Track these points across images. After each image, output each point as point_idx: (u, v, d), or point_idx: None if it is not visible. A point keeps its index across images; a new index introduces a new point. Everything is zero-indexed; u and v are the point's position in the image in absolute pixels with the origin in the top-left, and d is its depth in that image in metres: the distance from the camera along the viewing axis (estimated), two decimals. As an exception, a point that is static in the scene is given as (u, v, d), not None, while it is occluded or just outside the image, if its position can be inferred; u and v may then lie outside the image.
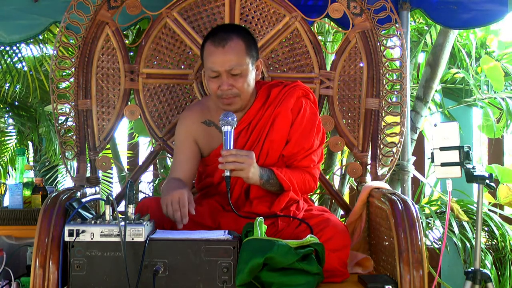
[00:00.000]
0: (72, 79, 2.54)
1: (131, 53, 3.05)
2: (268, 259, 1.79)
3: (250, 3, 2.58)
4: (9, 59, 3.87)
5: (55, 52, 2.58)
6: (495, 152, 4.04)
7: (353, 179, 2.77)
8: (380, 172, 2.56)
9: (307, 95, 2.32)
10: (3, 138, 4.42)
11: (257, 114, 2.27)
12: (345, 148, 2.77)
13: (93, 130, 2.54)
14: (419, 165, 3.70)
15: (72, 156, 2.57)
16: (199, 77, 2.58)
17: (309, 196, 2.48)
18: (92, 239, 1.80)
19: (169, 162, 3.60)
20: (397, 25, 2.59)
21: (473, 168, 1.99)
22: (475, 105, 3.83)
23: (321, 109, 2.59)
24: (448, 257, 3.17)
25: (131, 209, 1.84)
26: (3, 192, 3.71)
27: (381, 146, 2.57)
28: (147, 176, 3.64)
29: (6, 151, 4.37)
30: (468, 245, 3.07)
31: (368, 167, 2.58)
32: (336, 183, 3.52)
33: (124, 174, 3.37)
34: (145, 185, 3.74)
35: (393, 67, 2.63)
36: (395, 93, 2.67)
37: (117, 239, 1.79)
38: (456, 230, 3.06)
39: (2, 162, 4.34)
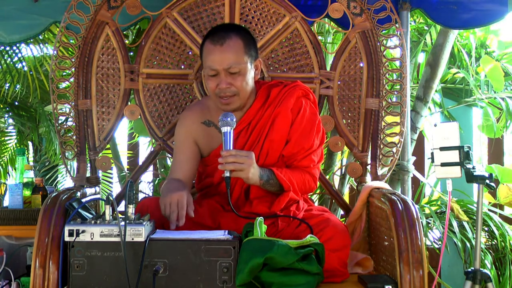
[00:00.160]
0: (72, 79, 2.54)
1: (131, 53, 3.05)
2: (268, 259, 1.79)
3: (250, 3, 2.58)
4: (9, 59, 3.87)
5: (55, 52, 2.58)
6: (495, 152, 4.04)
7: (353, 179, 2.77)
8: (380, 172, 2.56)
9: (307, 95, 2.32)
10: (3, 138, 4.42)
11: (257, 114, 2.27)
12: (345, 148, 2.77)
13: (93, 130, 2.54)
14: (419, 165, 3.70)
15: (72, 156, 2.57)
16: (199, 77, 2.58)
17: (309, 196, 2.48)
18: (92, 239, 1.80)
19: (169, 162, 3.59)
20: (397, 25, 2.59)
21: (473, 168, 1.99)
22: (475, 105, 3.83)
23: (321, 109, 2.59)
24: (448, 257, 3.17)
25: (131, 209, 1.84)
26: (3, 192, 3.71)
27: (381, 146, 2.57)
28: (147, 176, 3.64)
29: (6, 151, 4.37)
30: (468, 245, 3.07)
31: (368, 167, 2.58)
32: (336, 183, 3.52)
33: (124, 174, 3.37)
34: (145, 185, 3.74)
35: (393, 67, 2.63)
36: (395, 93, 2.67)
37: (117, 239, 1.79)
38: (456, 230, 3.06)
39: (2, 162, 4.34)
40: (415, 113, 3.33)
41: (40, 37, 3.67)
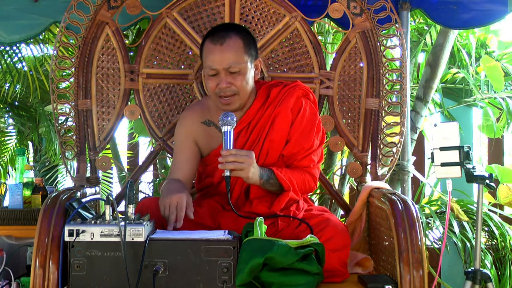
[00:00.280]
0: (72, 79, 2.54)
1: (131, 53, 3.05)
2: (268, 259, 1.79)
3: (250, 3, 2.58)
4: (9, 59, 3.87)
5: (55, 52, 2.58)
6: (495, 152, 4.04)
7: (353, 179, 2.77)
8: (380, 172, 2.56)
9: (307, 95, 2.32)
10: (3, 138, 4.42)
11: (257, 114, 2.27)
12: (345, 148, 2.77)
13: (93, 130, 2.54)
14: (419, 165, 3.70)
15: (72, 156, 2.57)
16: (199, 77, 2.58)
17: (309, 196, 2.48)
18: (92, 239, 1.80)
19: (169, 162, 3.59)
20: (397, 25, 2.59)
21: (473, 168, 1.99)
22: (475, 105, 3.83)
23: (321, 109, 2.59)
24: (448, 257, 3.17)
25: (131, 209, 1.84)
26: (3, 192, 3.71)
27: (381, 146, 2.57)
28: (147, 176, 3.64)
29: (6, 151, 4.37)
30: (468, 245, 3.07)
31: (368, 167, 2.58)
32: (336, 183, 3.52)
33: (124, 174, 3.37)
34: (145, 185, 3.74)
35: (393, 67, 2.63)
36: (395, 93, 2.68)
37: (117, 239, 1.79)
38: (456, 230, 3.06)
39: (2, 162, 4.34)
40: (415, 113, 3.33)
41: (40, 37, 3.67)
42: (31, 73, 3.85)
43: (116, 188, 4.30)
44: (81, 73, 2.53)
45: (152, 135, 2.61)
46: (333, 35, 3.65)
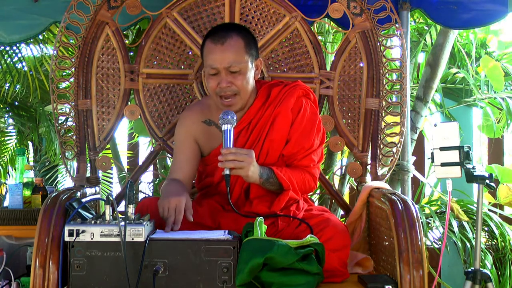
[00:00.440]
0: (72, 79, 2.54)
1: (131, 53, 3.05)
2: (268, 259, 1.79)
3: (250, 3, 2.58)
4: (9, 59, 3.87)
5: (55, 52, 2.58)
6: (495, 152, 4.04)
7: (353, 179, 2.77)
8: (380, 172, 2.56)
9: (307, 94, 2.32)
10: (3, 138, 4.42)
11: (257, 114, 2.27)
12: (345, 148, 2.77)
13: (93, 130, 2.54)
14: (419, 165, 3.70)
15: (72, 156, 2.57)
16: (199, 77, 2.58)
17: (309, 196, 2.48)
18: (92, 239, 1.80)
19: (169, 162, 3.59)
20: (397, 25, 2.59)
21: (473, 168, 1.99)
22: (475, 105, 3.83)
23: (321, 109, 2.59)
24: (448, 257, 3.17)
25: (131, 209, 1.84)
26: (3, 192, 3.71)
27: (381, 146, 2.57)
28: (147, 176, 3.63)
29: (6, 151, 4.37)
30: (468, 245, 3.07)
31: (368, 167, 2.58)
32: (336, 183, 3.52)
33: (124, 174, 3.37)
34: (145, 185, 3.74)
35: (393, 67, 2.63)
36: (395, 93, 2.67)
37: (117, 239, 1.79)
38: (456, 230, 3.06)
39: (2, 162, 4.35)
40: (415, 113, 3.33)
41: (40, 37, 3.67)
42: (31, 73, 3.85)
43: (116, 188, 4.30)
44: (81, 73, 2.53)
45: (152, 135, 2.61)
46: (333, 35, 3.65)
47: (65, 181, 4.35)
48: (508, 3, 2.76)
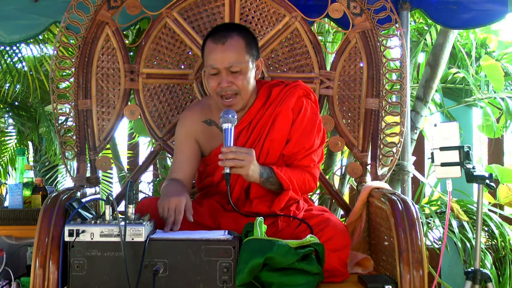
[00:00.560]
0: (72, 79, 2.54)
1: (131, 53, 3.05)
2: (268, 259, 1.79)
3: (250, 3, 2.58)
4: (9, 59, 3.87)
5: (55, 52, 2.58)
6: (495, 152, 4.04)
7: (353, 179, 2.77)
8: (380, 172, 2.56)
9: (308, 94, 2.32)
10: (3, 138, 4.42)
11: (258, 113, 2.27)
12: (345, 148, 2.77)
13: (93, 130, 2.54)
14: (419, 165, 3.70)
15: (72, 156, 2.57)
16: (199, 77, 2.58)
17: (309, 196, 2.48)
18: (92, 239, 1.80)
19: (169, 162, 3.59)
20: (397, 25, 2.59)
21: (473, 168, 1.99)
22: (475, 105, 3.83)
23: (321, 109, 2.59)
24: (448, 257, 3.17)
25: (131, 209, 1.84)
26: (3, 192, 3.71)
27: (381, 146, 2.57)
28: (147, 176, 3.64)
29: (6, 151, 4.37)
30: (468, 245, 3.07)
31: (368, 167, 2.58)
32: (336, 183, 3.52)
33: (124, 174, 3.37)
34: (145, 185, 3.74)
35: (393, 67, 2.63)
36: (395, 93, 2.67)
37: (117, 239, 1.79)
38: (456, 230, 3.06)
39: (2, 162, 4.35)
40: (415, 113, 3.33)
41: (40, 37, 3.67)
42: (31, 73, 3.85)
43: (116, 188, 4.30)
44: (81, 73, 2.53)
45: (152, 135, 2.61)
46: (333, 35, 3.65)
47: (65, 181, 4.35)
48: (508, 3, 2.76)
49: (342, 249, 2.06)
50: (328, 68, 2.64)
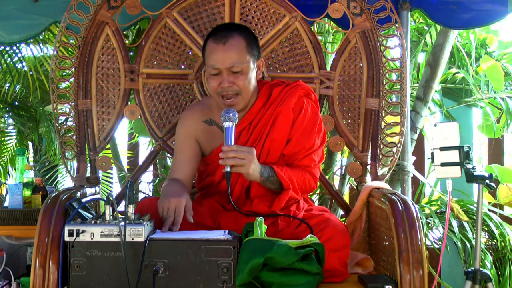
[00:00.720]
0: (72, 79, 2.54)
1: (131, 53, 3.05)
2: (268, 259, 1.79)
3: (250, 3, 2.58)
4: (9, 59, 3.87)
5: (55, 52, 2.58)
6: (495, 152, 4.04)
7: (353, 179, 2.77)
8: (380, 172, 2.56)
9: (308, 94, 2.32)
10: (3, 138, 4.42)
11: (259, 113, 2.27)
12: (345, 148, 2.77)
13: (93, 130, 2.54)
14: (419, 165, 3.70)
15: (72, 156, 2.57)
16: (199, 77, 2.58)
17: (309, 196, 2.48)
18: (92, 239, 1.80)
19: (169, 162, 3.59)
20: (397, 25, 2.59)
21: (473, 168, 1.99)
22: (475, 105, 3.83)
23: (321, 109, 2.59)
24: (448, 257, 3.16)
25: (131, 209, 1.84)
26: (3, 192, 3.71)
27: (381, 146, 2.57)
28: (147, 176, 3.63)
29: (6, 151, 4.37)
30: (468, 245, 3.07)
31: (368, 167, 2.58)
32: (336, 183, 3.52)
33: (124, 174, 3.37)
34: (145, 185, 3.74)
35: (393, 67, 2.63)
36: (395, 93, 2.67)
37: (117, 239, 1.79)
38: (456, 230, 3.06)
39: (2, 162, 4.35)
40: (415, 113, 3.33)
41: (40, 37, 3.67)
42: (31, 73, 3.85)
43: (116, 188, 4.30)
44: (81, 73, 2.53)
45: (152, 135, 2.61)
46: (333, 35, 3.65)
47: (65, 181, 4.35)
48: (508, 3, 2.76)
49: (342, 249, 2.06)
50: (328, 68, 2.64)
